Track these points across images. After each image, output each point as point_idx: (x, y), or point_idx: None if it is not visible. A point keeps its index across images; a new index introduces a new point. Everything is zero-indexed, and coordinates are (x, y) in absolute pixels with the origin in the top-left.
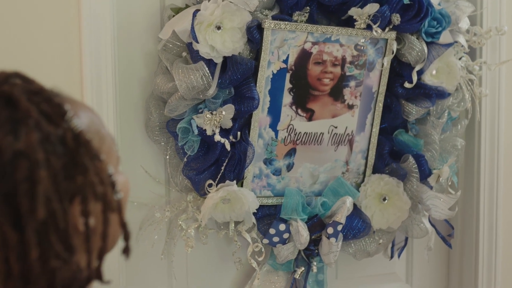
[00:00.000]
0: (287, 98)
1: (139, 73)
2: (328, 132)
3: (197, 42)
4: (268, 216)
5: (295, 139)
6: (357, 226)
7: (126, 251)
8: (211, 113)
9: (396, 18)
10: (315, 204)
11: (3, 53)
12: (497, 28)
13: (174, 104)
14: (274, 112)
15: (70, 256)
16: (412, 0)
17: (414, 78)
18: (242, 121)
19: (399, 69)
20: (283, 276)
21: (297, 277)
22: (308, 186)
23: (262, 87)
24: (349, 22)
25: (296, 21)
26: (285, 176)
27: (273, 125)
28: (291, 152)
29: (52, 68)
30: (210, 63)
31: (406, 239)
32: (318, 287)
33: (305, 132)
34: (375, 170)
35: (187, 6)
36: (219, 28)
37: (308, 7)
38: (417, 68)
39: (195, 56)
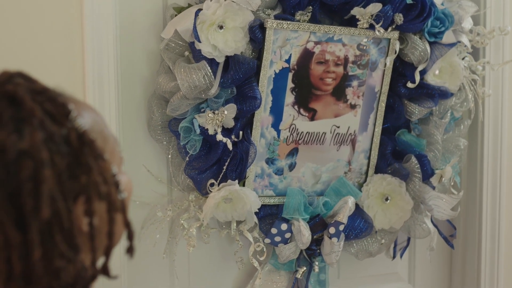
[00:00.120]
0: (289, 98)
1: (141, 72)
2: (331, 132)
3: (199, 41)
4: (270, 216)
5: (297, 139)
6: (359, 226)
7: (130, 250)
8: (213, 113)
9: (399, 18)
10: (317, 204)
11: (6, 52)
12: (501, 28)
13: (176, 104)
14: (276, 111)
15: (75, 255)
16: (415, 0)
17: (417, 78)
18: (244, 121)
19: (402, 69)
20: (285, 275)
21: (299, 276)
22: (310, 185)
23: (264, 86)
24: (352, 22)
25: (298, 21)
26: (287, 175)
27: (275, 125)
28: (293, 152)
29: (55, 67)
30: (212, 62)
31: (409, 239)
32: (320, 287)
33: (307, 132)
34: (377, 170)
35: (189, 6)
36: (221, 27)
37: (310, 7)
38: (420, 68)
39: (197, 56)
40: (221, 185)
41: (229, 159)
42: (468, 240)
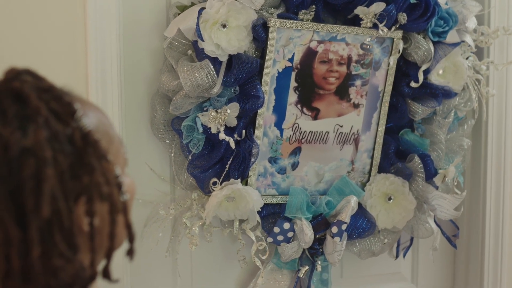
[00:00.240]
0: (292, 97)
1: (144, 71)
2: (334, 131)
3: (202, 40)
4: (272, 215)
5: (300, 138)
6: (362, 225)
7: (130, 252)
8: (216, 111)
9: (403, 17)
10: (320, 203)
11: (9, 50)
12: (505, 28)
13: (179, 102)
14: (279, 110)
15: (74, 255)
16: None
17: (420, 77)
18: (247, 120)
19: (406, 68)
20: (288, 274)
21: (302, 276)
22: (313, 185)
23: (267, 85)
24: (355, 21)
25: (302, 20)
26: (290, 174)
27: (278, 124)
28: (296, 151)
29: (58, 65)
30: (215, 61)
31: (412, 238)
32: (322, 286)
33: (310, 131)
34: (380, 170)
35: (192, 4)
36: (224, 26)
37: (314, 6)
38: (424, 67)
39: (200, 54)
40: (223, 183)
41: (231, 158)
42: (472, 240)
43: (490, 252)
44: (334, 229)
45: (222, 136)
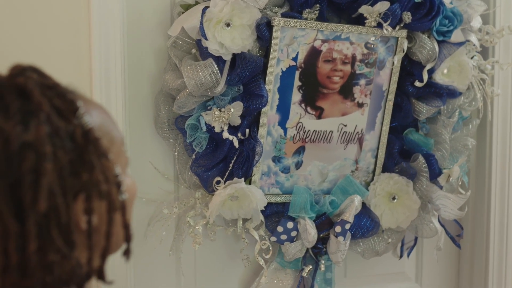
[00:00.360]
0: (296, 96)
1: (148, 70)
2: (338, 130)
3: (206, 39)
4: (276, 214)
5: (304, 137)
6: (365, 225)
7: (126, 253)
8: (220, 110)
9: (407, 16)
10: (324, 203)
11: (13, 49)
12: (510, 27)
13: (182, 101)
14: (283, 109)
15: (70, 251)
16: None
17: (425, 77)
18: (251, 119)
19: (410, 67)
20: (291, 274)
21: (305, 275)
22: (317, 184)
23: (271, 84)
24: (360, 20)
25: (306, 19)
26: (294, 174)
27: (282, 123)
28: (300, 150)
29: (62, 64)
30: (219, 60)
31: (416, 238)
32: (326, 285)
33: (314, 130)
34: (384, 169)
35: (196, 3)
36: (228, 25)
37: (318, 5)
38: (428, 66)
39: (204, 53)
40: (227, 182)
41: (235, 157)
42: (476, 240)
43: (494, 252)
44: (338, 229)
45: (225, 135)
